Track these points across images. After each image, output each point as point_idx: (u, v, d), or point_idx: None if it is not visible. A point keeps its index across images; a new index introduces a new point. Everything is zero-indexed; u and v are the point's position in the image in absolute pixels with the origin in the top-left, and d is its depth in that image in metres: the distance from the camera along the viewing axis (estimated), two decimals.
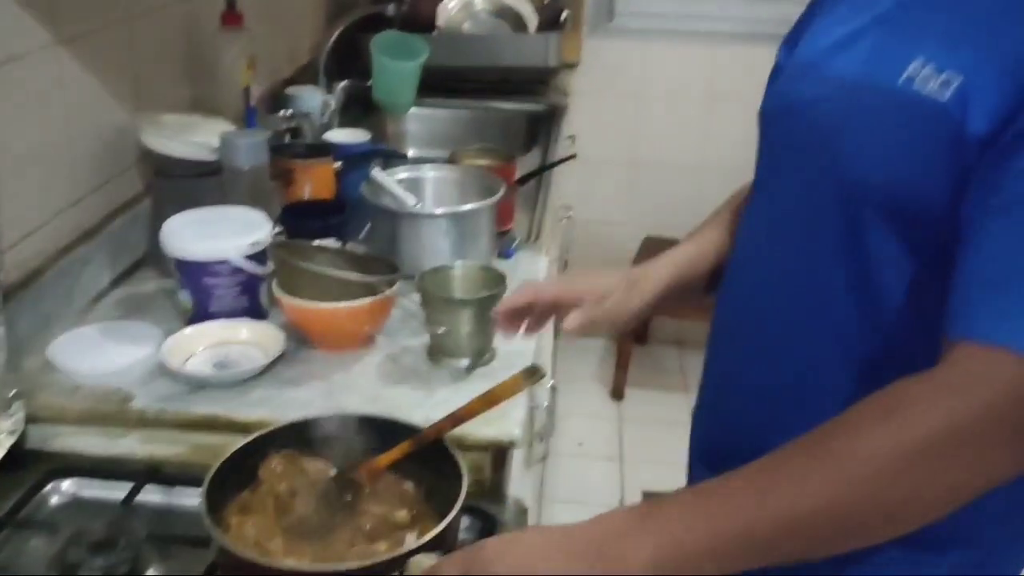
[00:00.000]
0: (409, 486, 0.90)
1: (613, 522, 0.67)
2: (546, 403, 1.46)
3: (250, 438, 0.90)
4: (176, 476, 1.01)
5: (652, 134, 2.96)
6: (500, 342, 1.19)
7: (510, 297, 1.05)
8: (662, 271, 1.04)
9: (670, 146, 2.97)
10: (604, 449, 2.66)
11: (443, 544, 0.78)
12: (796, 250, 0.85)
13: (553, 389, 1.51)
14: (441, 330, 1.12)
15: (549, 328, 1.30)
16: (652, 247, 2.94)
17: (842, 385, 0.80)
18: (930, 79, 0.70)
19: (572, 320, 1.00)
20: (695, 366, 3.08)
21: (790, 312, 0.85)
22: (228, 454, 0.87)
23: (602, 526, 0.68)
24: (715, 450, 1.00)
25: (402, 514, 0.87)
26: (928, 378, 0.64)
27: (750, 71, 0.89)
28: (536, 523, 2.13)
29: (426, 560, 0.73)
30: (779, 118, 0.91)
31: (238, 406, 1.06)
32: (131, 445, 1.06)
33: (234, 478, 0.87)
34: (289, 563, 0.77)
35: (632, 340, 2.88)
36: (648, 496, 2.44)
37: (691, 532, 0.64)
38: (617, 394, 2.89)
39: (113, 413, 1.06)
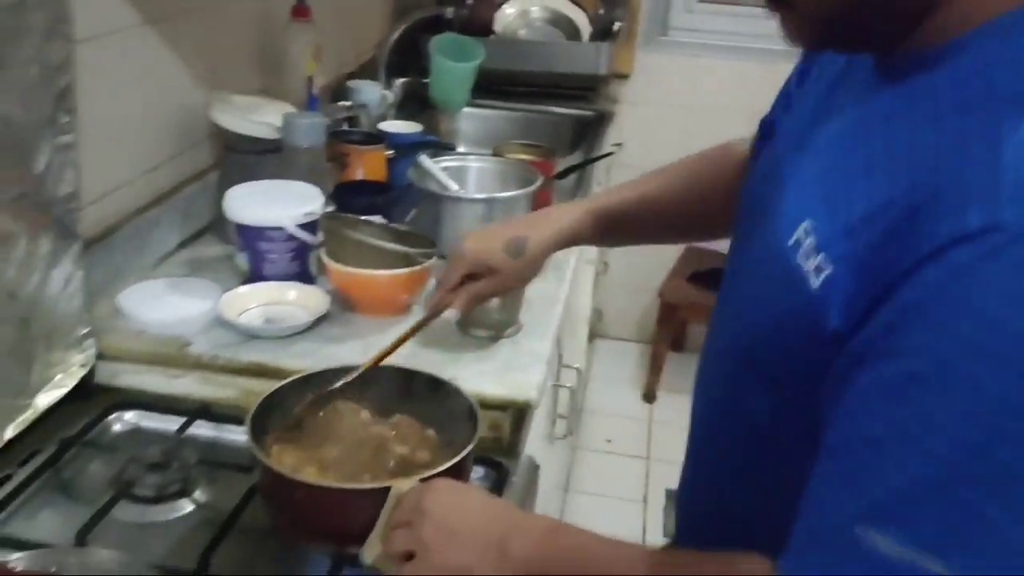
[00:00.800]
0: (431, 433, 1.00)
1: (529, 520, 0.79)
2: (571, 384, 1.55)
3: (292, 378, 1.00)
4: (224, 415, 1.13)
5: (697, 145, 3.02)
6: (528, 315, 1.29)
7: (432, 306, 1.11)
8: (549, 239, 1.07)
9: None
10: (632, 447, 2.74)
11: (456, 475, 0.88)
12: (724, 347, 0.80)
13: (579, 372, 1.60)
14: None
15: (584, 319, 1.40)
16: (692, 254, 3.02)
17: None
18: (809, 256, 0.61)
19: (451, 315, 1.09)
20: None
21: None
22: (271, 390, 0.98)
23: (519, 518, 0.79)
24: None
25: (423, 455, 0.97)
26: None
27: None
28: (560, 509, 2.22)
29: (406, 484, 0.83)
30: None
31: (283, 356, 1.18)
32: (187, 385, 1.18)
33: (275, 414, 0.98)
34: (317, 480, 0.88)
35: (668, 346, 2.96)
36: (670, 494, 2.51)
37: (547, 567, 0.74)
38: (649, 397, 2.97)
39: (172, 356, 1.18)
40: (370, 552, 0.82)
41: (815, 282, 0.59)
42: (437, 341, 1.23)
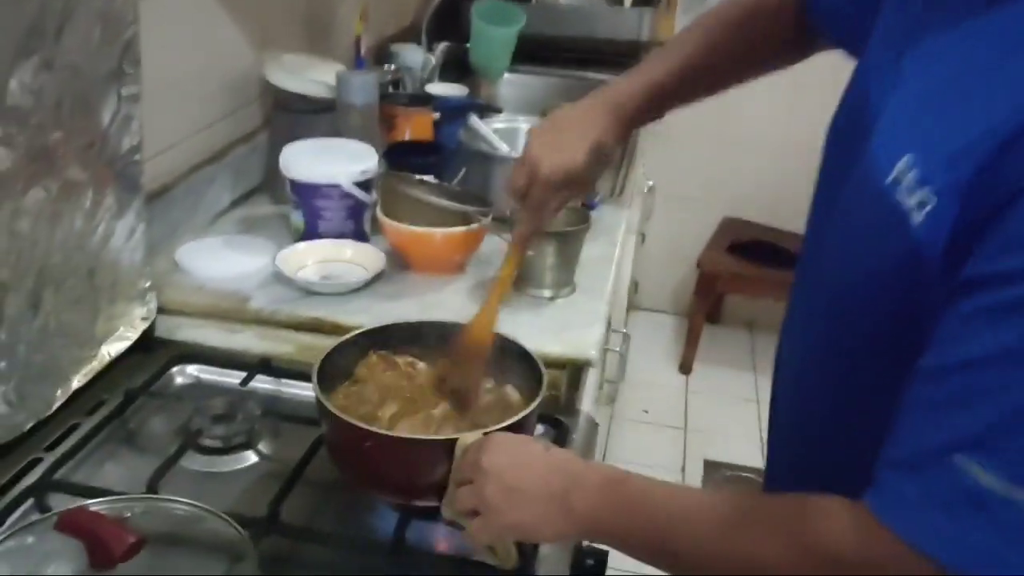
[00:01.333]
0: (495, 389, 0.99)
1: (590, 471, 0.76)
2: (619, 348, 1.55)
3: (354, 333, 1.00)
4: (284, 369, 1.13)
5: (738, 114, 3.00)
6: (581, 277, 1.28)
7: (511, 178, 0.99)
8: (619, 133, 0.99)
9: (755, 126, 3.00)
10: (669, 418, 2.73)
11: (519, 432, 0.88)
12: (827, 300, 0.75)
13: (626, 337, 1.59)
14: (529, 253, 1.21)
15: (625, 288, 1.39)
16: (730, 225, 3.00)
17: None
18: (912, 191, 0.59)
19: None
20: (765, 347, 3.14)
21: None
22: (335, 345, 0.98)
23: (580, 469, 0.76)
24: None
25: (487, 413, 0.97)
26: (841, 516, 0.59)
27: (838, 53, 0.91)
28: None
29: (471, 437, 0.83)
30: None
31: (340, 312, 1.18)
32: (246, 340, 1.19)
33: (338, 369, 0.98)
34: (387, 430, 0.88)
35: (704, 318, 2.94)
36: (710, 466, 2.52)
37: (613, 519, 0.72)
38: (685, 368, 2.96)
39: (232, 310, 1.19)
40: (448, 507, 0.82)
41: (917, 217, 0.58)
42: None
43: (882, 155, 0.63)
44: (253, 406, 1.06)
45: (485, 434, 0.83)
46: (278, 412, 1.07)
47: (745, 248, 2.89)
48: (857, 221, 0.66)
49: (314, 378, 0.91)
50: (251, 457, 1.01)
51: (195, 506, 0.87)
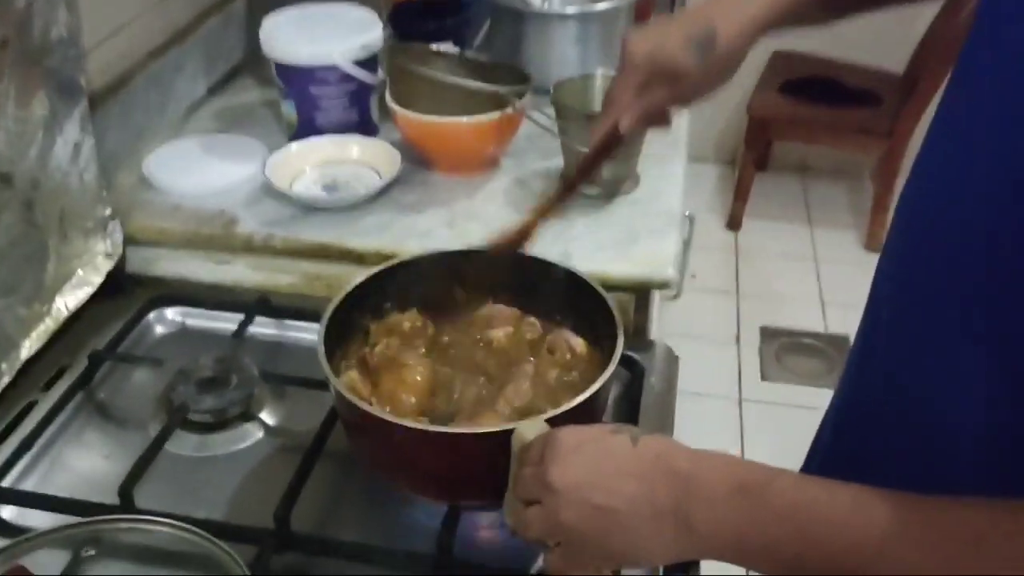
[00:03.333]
0: (560, 339, 0.77)
1: (706, 475, 0.55)
2: (684, 236, 1.31)
3: (370, 274, 0.77)
4: (287, 308, 0.92)
5: None
6: (644, 166, 1.03)
7: (598, 130, 0.77)
8: (745, 26, 0.76)
9: None
10: (718, 282, 2.52)
11: (590, 409, 0.67)
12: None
13: (691, 219, 1.35)
14: (579, 150, 0.97)
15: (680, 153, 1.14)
16: (781, 61, 2.69)
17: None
18: None
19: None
20: (820, 196, 2.88)
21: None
22: (344, 294, 0.75)
23: (690, 473, 0.55)
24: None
25: (548, 371, 0.75)
26: None
27: None
28: None
29: (531, 429, 0.61)
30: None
31: (351, 233, 0.95)
32: (238, 272, 0.97)
33: (355, 321, 0.76)
34: (418, 423, 0.66)
35: (754, 168, 2.67)
36: (767, 333, 2.31)
37: (760, 539, 0.52)
38: (734, 224, 2.71)
39: (217, 237, 0.96)
40: (511, 516, 0.62)
41: None
42: (529, 206, 0.99)
43: None
44: (250, 364, 0.84)
45: (548, 422, 0.62)
46: (282, 369, 0.86)
47: (800, 87, 2.58)
48: None
49: (320, 342, 0.69)
50: (252, 432, 0.81)
51: (177, 526, 0.68)
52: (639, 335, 0.93)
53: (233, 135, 1.10)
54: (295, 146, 1.03)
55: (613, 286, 0.87)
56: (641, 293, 0.92)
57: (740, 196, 2.68)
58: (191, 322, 0.94)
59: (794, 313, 2.38)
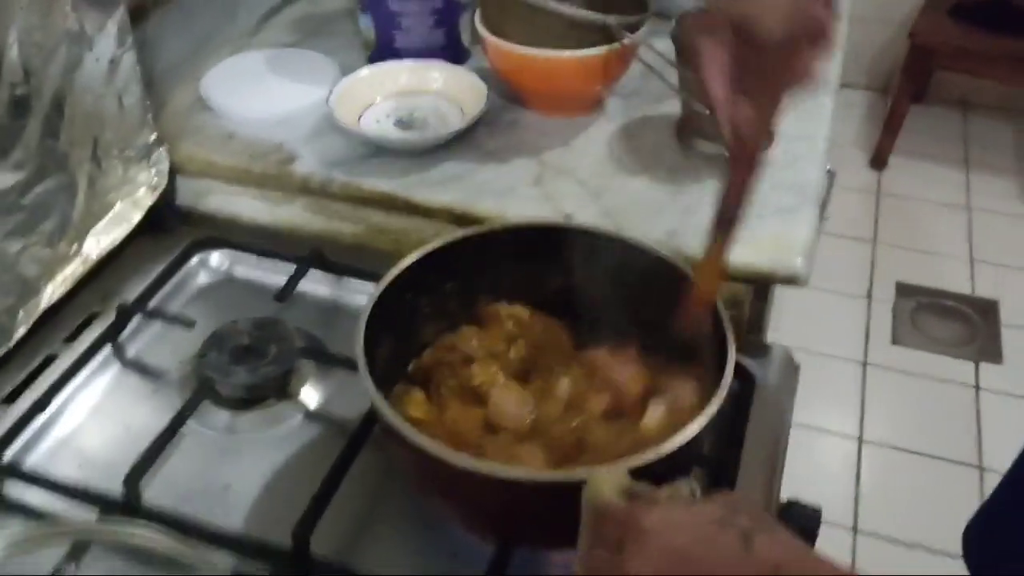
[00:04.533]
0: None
1: None
2: (821, 196, 1.12)
3: (423, 251, 0.64)
4: (345, 264, 0.80)
5: None
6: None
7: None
8: None
9: None
10: (855, 227, 2.27)
11: (685, 454, 0.52)
12: None
13: (831, 175, 1.16)
14: (700, 111, 0.79)
15: None
16: None
17: None
18: None
19: None
20: (979, 134, 2.55)
21: None
22: (386, 283, 0.62)
23: None
24: None
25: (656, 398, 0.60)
26: None
27: None
28: None
29: (607, 483, 0.47)
30: None
31: (421, 183, 0.81)
32: (297, 215, 0.85)
33: (403, 314, 0.64)
34: (472, 464, 0.53)
35: (909, 100, 2.37)
36: (903, 289, 2.08)
37: None
38: (879, 162, 2.44)
39: (272, 175, 0.84)
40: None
41: None
42: (643, 163, 0.82)
43: None
44: (294, 334, 0.73)
45: (631, 471, 0.48)
46: (327, 346, 0.74)
47: (971, 11, 2.25)
48: None
49: (358, 350, 0.56)
50: (288, 415, 0.71)
51: (173, 536, 0.58)
52: (753, 334, 0.78)
53: (305, 51, 0.96)
54: (366, 71, 0.89)
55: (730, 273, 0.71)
56: (760, 286, 0.75)
57: (890, 130, 2.39)
58: (239, 270, 0.83)
59: (938, 269, 2.13)
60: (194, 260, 0.82)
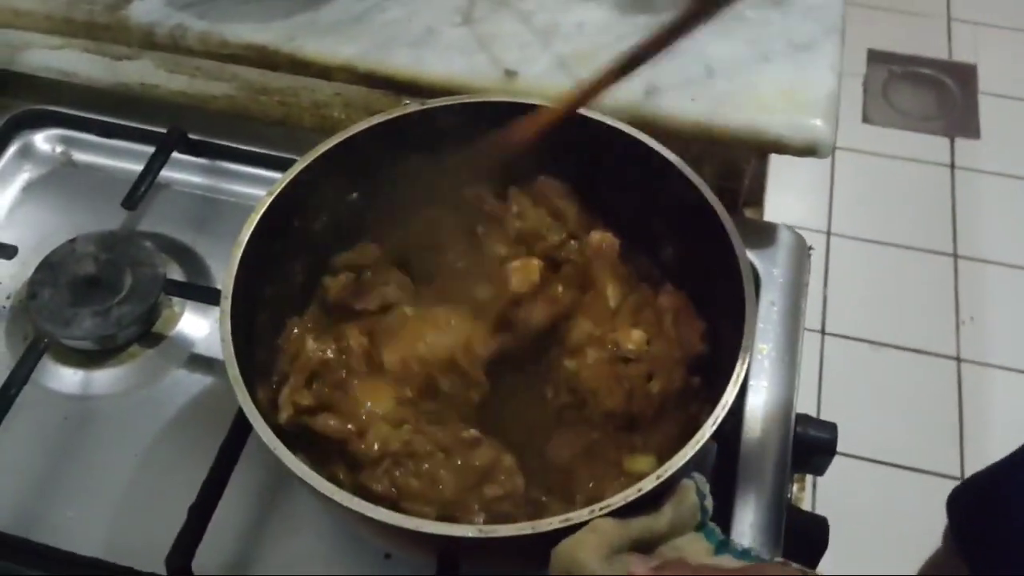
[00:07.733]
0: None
1: None
2: None
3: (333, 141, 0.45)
4: (219, 145, 0.60)
5: None
6: None
7: None
8: None
9: None
10: None
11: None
12: None
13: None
14: None
15: None
16: None
17: None
18: None
19: None
20: None
21: None
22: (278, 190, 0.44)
23: None
24: None
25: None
26: None
27: None
28: None
29: (586, 551, 0.34)
30: None
31: (308, 30, 0.59)
32: (143, 73, 0.64)
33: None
34: (394, 518, 0.37)
35: None
36: (876, 57, 1.88)
37: None
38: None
39: (102, 25, 0.61)
40: None
41: None
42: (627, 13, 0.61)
43: None
44: (152, 253, 0.55)
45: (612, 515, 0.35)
46: (201, 260, 0.56)
47: None
48: None
49: (222, 318, 0.40)
50: (159, 366, 0.54)
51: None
52: (752, 209, 0.61)
53: None
54: None
55: (721, 140, 0.54)
56: (762, 154, 0.58)
57: None
58: (79, 158, 0.63)
59: (912, 31, 1.93)
60: (12, 147, 0.62)
